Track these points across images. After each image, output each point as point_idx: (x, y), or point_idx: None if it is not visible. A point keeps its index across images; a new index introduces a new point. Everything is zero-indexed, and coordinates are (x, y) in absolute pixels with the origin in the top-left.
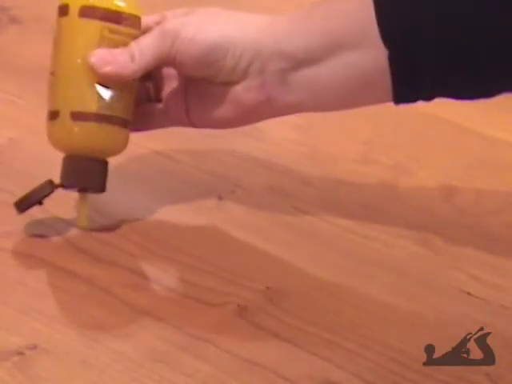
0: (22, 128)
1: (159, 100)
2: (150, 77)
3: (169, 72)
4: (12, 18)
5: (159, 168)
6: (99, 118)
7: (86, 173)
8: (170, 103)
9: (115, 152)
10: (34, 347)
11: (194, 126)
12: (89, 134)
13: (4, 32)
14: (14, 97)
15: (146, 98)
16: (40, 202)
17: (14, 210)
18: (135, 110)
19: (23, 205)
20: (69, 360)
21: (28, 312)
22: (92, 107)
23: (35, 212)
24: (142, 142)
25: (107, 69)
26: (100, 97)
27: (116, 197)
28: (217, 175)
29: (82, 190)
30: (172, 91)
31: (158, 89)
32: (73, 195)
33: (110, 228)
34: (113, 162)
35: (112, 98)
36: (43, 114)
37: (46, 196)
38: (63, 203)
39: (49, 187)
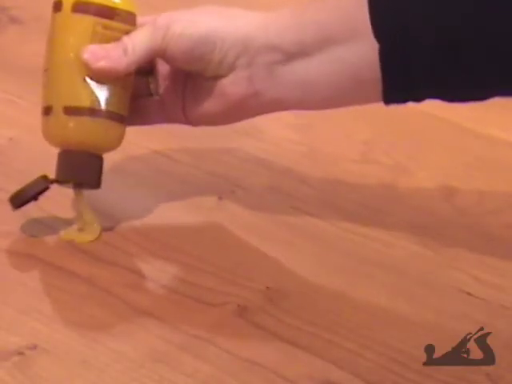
0: (21, 128)
1: (159, 94)
2: (151, 71)
3: (167, 67)
4: (12, 18)
5: (159, 168)
6: (93, 112)
7: (81, 168)
8: (168, 98)
9: (110, 147)
10: (34, 347)
11: (189, 122)
12: (82, 129)
13: (4, 32)
14: (14, 97)
15: (145, 93)
16: (35, 198)
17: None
18: (132, 105)
19: (17, 200)
20: (69, 360)
21: (28, 312)
22: (85, 102)
23: (34, 212)
24: (141, 142)
25: (100, 64)
26: (93, 91)
27: (115, 197)
28: (217, 175)
29: (77, 185)
30: (170, 86)
31: (157, 83)
32: (72, 195)
33: (110, 228)
34: (112, 161)
35: (105, 92)
36: None
37: (40, 191)
38: (62, 203)
39: (43, 182)
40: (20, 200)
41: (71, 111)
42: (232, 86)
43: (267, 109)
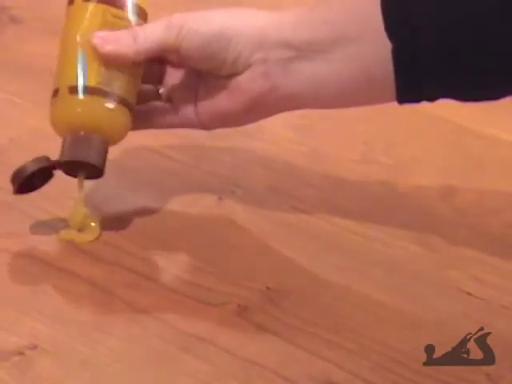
0: (22, 128)
1: (170, 100)
2: (161, 78)
3: (177, 71)
4: (12, 18)
5: (159, 168)
6: (97, 91)
7: (86, 148)
8: (180, 102)
9: (115, 131)
10: (34, 347)
11: (203, 125)
12: (87, 108)
13: (4, 32)
14: (14, 97)
15: (155, 99)
16: (37, 184)
17: (14, 211)
18: (143, 109)
19: (18, 178)
20: (69, 360)
21: (28, 312)
22: (90, 82)
23: (35, 212)
24: (142, 142)
25: (109, 47)
26: (99, 73)
27: (116, 196)
28: (217, 175)
29: (81, 168)
30: (182, 90)
31: (167, 90)
32: (73, 195)
33: (110, 228)
34: (112, 161)
35: (112, 76)
36: (43, 114)
37: (42, 169)
38: (63, 203)
39: (44, 160)
40: (20, 177)
41: (75, 90)
42: (248, 82)
43: (283, 106)
